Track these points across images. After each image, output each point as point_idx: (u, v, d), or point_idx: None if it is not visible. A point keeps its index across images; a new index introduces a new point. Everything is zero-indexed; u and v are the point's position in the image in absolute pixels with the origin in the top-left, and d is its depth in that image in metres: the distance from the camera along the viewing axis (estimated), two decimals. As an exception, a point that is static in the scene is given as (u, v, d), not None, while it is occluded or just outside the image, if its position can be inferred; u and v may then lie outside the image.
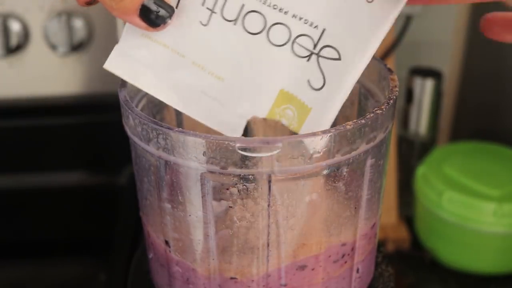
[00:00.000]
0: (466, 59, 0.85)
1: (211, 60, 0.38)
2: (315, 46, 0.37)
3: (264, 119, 0.39)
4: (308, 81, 0.38)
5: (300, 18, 0.37)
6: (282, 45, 0.38)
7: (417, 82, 0.76)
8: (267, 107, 0.39)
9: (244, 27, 0.37)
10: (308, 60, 0.38)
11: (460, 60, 0.85)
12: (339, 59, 0.37)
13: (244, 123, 0.39)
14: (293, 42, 0.37)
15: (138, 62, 0.38)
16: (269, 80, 0.38)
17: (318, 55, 0.37)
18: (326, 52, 0.37)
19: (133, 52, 0.38)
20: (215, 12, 0.37)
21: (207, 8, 0.37)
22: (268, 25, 0.37)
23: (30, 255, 0.65)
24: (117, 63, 0.38)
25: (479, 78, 0.84)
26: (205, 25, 0.38)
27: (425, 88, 0.76)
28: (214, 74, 0.38)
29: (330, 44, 0.37)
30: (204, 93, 0.39)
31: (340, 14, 0.37)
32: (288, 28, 0.37)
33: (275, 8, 0.37)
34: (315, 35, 0.37)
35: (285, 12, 0.37)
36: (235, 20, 0.37)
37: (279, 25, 0.37)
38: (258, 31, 0.38)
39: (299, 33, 0.37)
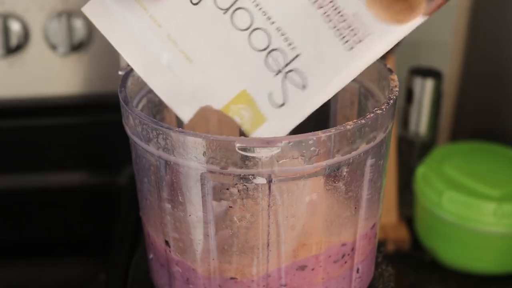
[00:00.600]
0: (466, 59, 0.85)
1: (187, 39, 0.38)
2: (286, 65, 0.38)
3: (217, 111, 0.39)
4: (270, 94, 0.39)
5: (283, 34, 0.37)
6: (259, 50, 0.38)
7: (417, 82, 0.76)
8: (224, 101, 0.39)
9: (231, 20, 0.38)
10: (275, 75, 0.38)
11: (460, 60, 0.85)
12: (302, 87, 0.38)
13: (196, 109, 0.40)
14: (268, 52, 0.38)
15: (115, 16, 0.38)
16: (235, 78, 0.39)
17: (285, 75, 0.38)
18: (293, 75, 0.38)
19: (113, 5, 0.38)
20: None
21: None
22: (253, 27, 0.38)
23: (30, 255, 0.64)
24: (95, 11, 0.38)
25: (479, 78, 0.84)
26: (195, 4, 0.38)
27: (425, 88, 0.76)
28: (184, 53, 0.39)
29: (300, 70, 0.38)
30: (169, 68, 0.39)
31: (319, 48, 0.37)
32: (269, 37, 0.38)
33: (264, 14, 0.37)
34: (289, 55, 0.38)
35: (272, 22, 0.37)
36: (226, 10, 0.38)
37: (262, 31, 0.38)
38: (243, 28, 0.38)
39: (276, 47, 0.38)
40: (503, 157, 0.67)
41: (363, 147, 0.36)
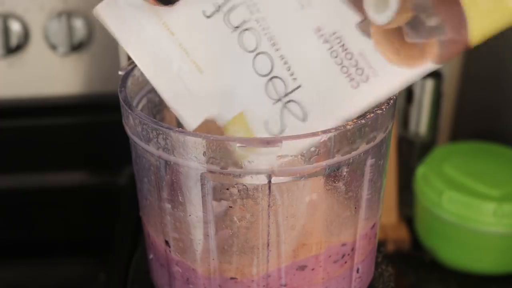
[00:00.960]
0: (466, 59, 0.84)
1: (198, 50, 0.38)
2: (286, 95, 0.37)
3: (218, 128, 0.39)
4: (266, 122, 0.38)
5: (285, 63, 0.37)
6: (261, 75, 0.37)
7: (417, 82, 0.76)
8: (225, 119, 0.39)
9: (239, 39, 0.37)
10: (274, 103, 0.37)
11: (460, 60, 0.85)
12: (302, 119, 0.37)
13: (202, 120, 0.39)
14: (270, 79, 0.37)
15: (128, 19, 0.38)
16: (236, 96, 0.38)
17: (284, 105, 0.37)
18: (293, 106, 0.37)
19: (127, 7, 0.37)
20: (221, 11, 0.37)
21: (216, 4, 0.37)
22: (258, 50, 0.37)
23: (30, 255, 0.64)
24: (108, 11, 0.38)
25: (479, 79, 0.84)
26: (208, 17, 0.37)
27: (425, 88, 0.76)
28: (195, 63, 0.38)
29: (299, 102, 0.37)
30: (179, 77, 0.38)
31: (322, 82, 0.36)
32: (272, 63, 0.37)
33: (270, 40, 0.37)
34: (290, 85, 0.37)
35: (276, 48, 0.37)
36: (235, 29, 0.37)
37: (266, 56, 0.37)
38: (249, 50, 0.37)
39: (278, 75, 0.37)
40: (503, 157, 0.67)
41: (363, 147, 0.36)
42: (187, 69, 0.38)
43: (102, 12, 0.38)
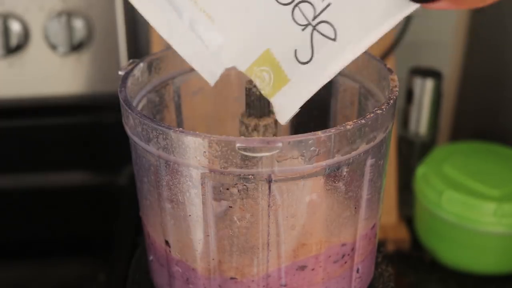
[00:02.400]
0: (466, 59, 0.85)
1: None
2: (314, 17, 0.35)
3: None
4: (296, 51, 0.36)
5: None
6: (284, 4, 0.36)
7: (417, 82, 0.76)
8: (248, 63, 0.37)
9: None
10: (303, 29, 0.35)
11: (460, 60, 0.85)
12: (333, 39, 0.35)
13: (221, 71, 0.38)
14: (295, 5, 0.35)
15: None
16: (258, 36, 0.37)
17: (314, 27, 0.35)
18: (323, 27, 0.35)
19: None
20: None
21: None
22: None
23: (30, 255, 0.64)
24: None
25: (479, 78, 0.84)
26: None
27: (425, 88, 0.76)
28: (205, 12, 0.37)
29: (330, 21, 0.35)
30: (192, 28, 0.37)
31: None
32: None
33: None
34: (319, 6, 0.35)
35: None
36: None
37: None
38: None
39: None
40: (503, 157, 0.67)
41: (363, 147, 0.36)
42: (198, 20, 0.37)
43: None
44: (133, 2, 0.37)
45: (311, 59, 0.36)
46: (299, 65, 0.36)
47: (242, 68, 0.38)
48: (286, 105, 0.37)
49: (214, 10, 0.37)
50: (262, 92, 0.38)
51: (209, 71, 0.38)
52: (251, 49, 0.37)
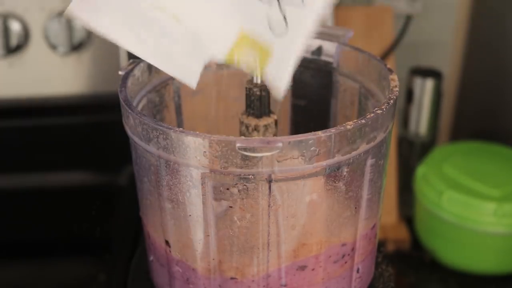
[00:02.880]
0: (466, 59, 0.85)
1: (172, 2, 0.37)
2: None
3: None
4: (269, 24, 0.37)
5: None
6: None
7: (417, 82, 0.76)
8: (225, 49, 0.38)
9: None
10: (270, 4, 0.36)
11: (460, 60, 0.85)
12: (301, 4, 0.35)
13: (201, 68, 0.38)
14: None
15: (98, 4, 0.37)
16: (230, 20, 0.37)
17: (278, 1, 0.36)
18: None
19: None
20: None
21: None
22: None
23: (30, 255, 0.64)
24: (79, 8, 0.38)
25: (479, 78, 0.84)
26: None
27: (425, 88, 0.76)
28: (174, 16, 0.37)
29: None
30: (164, 35, 0.37)
31: None
32: None
33: None
34: None
35: None
36: None
37: None
38: None
39: None
40: (503, 157, 0.67)
41: (363, 147, 0.36)
42: (169, 26, 0.37)
43: (75, 11, 0.38)
44: (100, 28, 0.37)
45: (285, 27, 0.36)
46: (276, 37, 0.36)
47: (221, 56, 0.38)
48: (276, 77, 0.37)
49: (179, 10, 0.37)
50: (253, 74, 0.38)
51: (188, 72, 0.38)
52: (225, 33, 0.37)
